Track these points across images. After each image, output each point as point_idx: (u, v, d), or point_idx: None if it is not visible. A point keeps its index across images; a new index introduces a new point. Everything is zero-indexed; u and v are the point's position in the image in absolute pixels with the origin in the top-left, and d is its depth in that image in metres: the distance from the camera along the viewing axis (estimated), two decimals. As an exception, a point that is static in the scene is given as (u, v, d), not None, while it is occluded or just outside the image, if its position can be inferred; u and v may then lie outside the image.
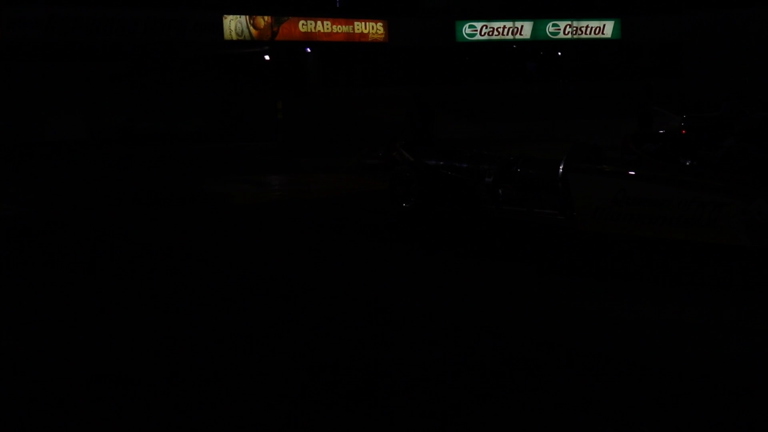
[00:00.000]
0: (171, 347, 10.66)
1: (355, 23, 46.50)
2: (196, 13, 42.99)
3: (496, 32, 48.65)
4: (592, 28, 49.71)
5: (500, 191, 16.98)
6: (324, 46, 46.57)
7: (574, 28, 49.42)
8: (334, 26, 46.06)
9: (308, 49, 46.62)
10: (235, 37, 43.83)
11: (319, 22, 45.69)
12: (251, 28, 44.19)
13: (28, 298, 13.13)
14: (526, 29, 48.94)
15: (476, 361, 9.97)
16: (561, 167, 15.74)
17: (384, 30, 47.06)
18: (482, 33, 48.49)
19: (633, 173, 14.99)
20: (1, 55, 41.65)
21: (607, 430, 8.20)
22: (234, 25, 43.79)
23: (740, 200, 13.52)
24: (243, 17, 43.99)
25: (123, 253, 16.11)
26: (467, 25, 48.32)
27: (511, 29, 48.77)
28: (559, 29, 49.28)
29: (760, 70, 40.05)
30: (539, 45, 50.78)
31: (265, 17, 44.70)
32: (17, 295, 13.34)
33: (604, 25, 49.98)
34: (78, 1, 40.30)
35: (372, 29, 46.78)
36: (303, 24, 45.41)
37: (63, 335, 11.26)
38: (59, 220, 19.49)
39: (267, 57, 47.88)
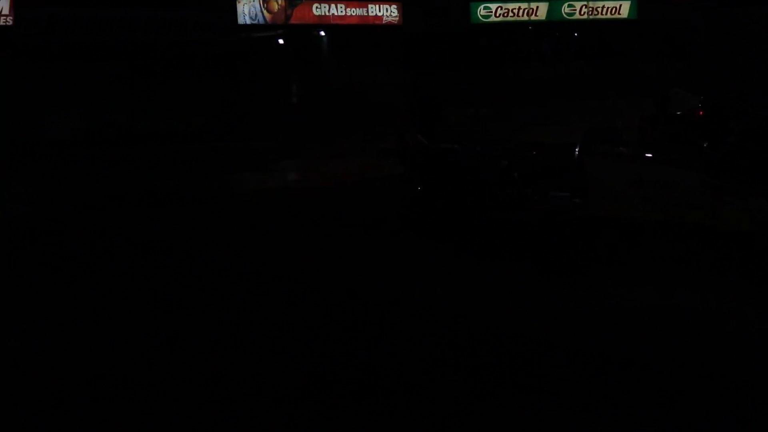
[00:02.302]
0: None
1: (369, 6, 46.30)
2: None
3: (511, 13, 48.40)
4: (608, 8, 49.39)
5: (515, 175, 16.84)
6: (338, 29, 46.40)
7: (590, 9, 49.12)
8: (348, 9, 45.88)
9: (322, 33, 46.48)
10: (248, 22, 43.74)
11: (333, 5, 45.52)
12: (265, 11, 44.06)
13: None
14: (541, 10, 48.66)
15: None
16: (577, 151, 15.67)
17: (398, 12, 46.85)
18: (497, 14, 48.24)
19: (649, 156, 14.96)
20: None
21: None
22: (248, 9, 43.70)
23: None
24: (257, 1, 43.87)
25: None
26: (482, 6, 48.06)
27: (526, 10, 48.53)
28: (575, 10, 48.98)
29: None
30: (555, 26, 50.49)
31: (279, 1, 44.58)
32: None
33: (620, 5, 49.69)
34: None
35: (386, 12, 46.61)
36: (317, 7, 45.26)
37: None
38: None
39: (281, 41, 47.77)
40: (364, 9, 46.66)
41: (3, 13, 38.10)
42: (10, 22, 38.22)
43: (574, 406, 8.58)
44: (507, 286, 13.13)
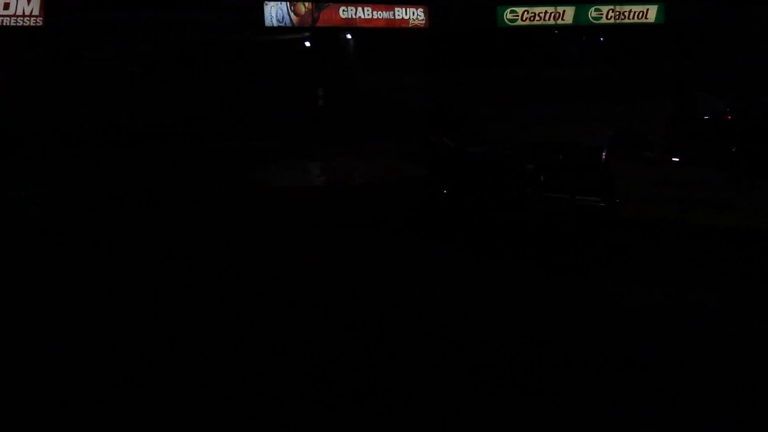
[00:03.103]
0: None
1: (396, 9, 46.29)
2: (237, 0, 43.13)
3: (537, 17, 48.30)
4: (635, 12, 49.20)
5: (541, 178, 16.77)
6: (364, 32, 46.46)
7: (617, 13, 48.96)
8: (374, 12, 45.91)
9: (348, 36, 46.58)
10: (275, 24, 43.86)
11: (359, 8, 45.57)
12: (292, 14, 44.18)
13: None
14: (568, 14, 48.53)
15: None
16: (603, 154, 15.63)
17: (425, 16, 46.84)
18: (524, 18, 48.16)
19: (676, 159, 14.95)
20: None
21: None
22: (275, 11, 43.83)
23: None
24: (284, 3, 43.96)
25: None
26: (509, 10, 47.98)
27: (552, 14, 48.40)
28: (602, 14, 48.81)
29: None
30: (581, 30, 50.38)
31: (306, 3, 44.65)
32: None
33: (647, 10, 49.49)
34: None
35: (413, 15, 46.58)
36: (344, 10, 45.32)
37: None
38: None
39: (307, 43, 47.87)
40: (391, 12, 46.68)
41: (33, 14, 38.52)
42: (41, 23, 38.63)
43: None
44: (531, 287, 13.11)
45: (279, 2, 44.09)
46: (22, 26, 38.59)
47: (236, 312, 11.98)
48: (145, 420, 8.55)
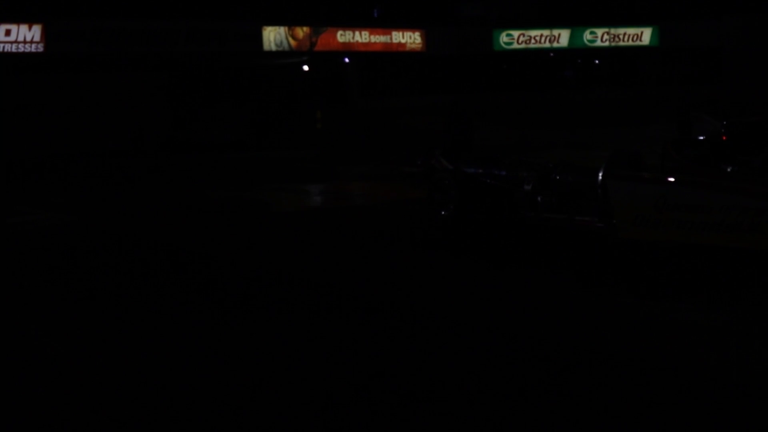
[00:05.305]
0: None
1: (393, 33, 46.72)
2: (235, 25, 43.43)
3: (533, 40, 48.79)
4: (629, 35, 49.66)
5: (539, 199, 16.70)
6: (362, 56, 46.80)
7: (612, 36, 49.37)
8: (372, 36, 46.31)
9: (346, 59, 46.92)
10: (274, 48, 44.22)
11: (357, 33, 45.96)
12: (290, 39, 44.54)
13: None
14: (563, 37, 48.99)
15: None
16: (600, 174, 15.52)
17: (421, 39, 47.28)
18: (519, 41, 48.63)
19: (673, 180, 14.84)
20: (46, 67, 42.40)
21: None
22: (273, 36, 44.17)
23: None
24: (282, 28, 44.33)
25: (149, 257, 16.30)
26: (504, 33, 48.45)
27: (548, 37, 48.88)
28: (597, 37, 49.30)
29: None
30: (576, 53, 50.74)
31: (304, 28, 45.03)
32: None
33: (641, 32, 49.91)
34: (120, 14, 41.01)
35: (410, 39, 47.03)
36: (341, 34, 45.71)
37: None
38: (99, 228, 19.76)
39: (306, 67, 48.19)
40: (388, 36, 47.11)
41: (34, 40, 38.90)
42: (42, 50, 39.03)
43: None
44: (528, 295, 13.23)
45: (277, 27, 44.44)
46: (24, 53, 38.97)
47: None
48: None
